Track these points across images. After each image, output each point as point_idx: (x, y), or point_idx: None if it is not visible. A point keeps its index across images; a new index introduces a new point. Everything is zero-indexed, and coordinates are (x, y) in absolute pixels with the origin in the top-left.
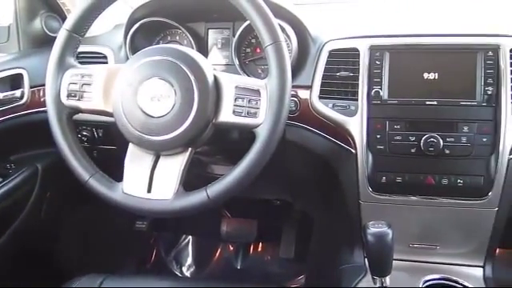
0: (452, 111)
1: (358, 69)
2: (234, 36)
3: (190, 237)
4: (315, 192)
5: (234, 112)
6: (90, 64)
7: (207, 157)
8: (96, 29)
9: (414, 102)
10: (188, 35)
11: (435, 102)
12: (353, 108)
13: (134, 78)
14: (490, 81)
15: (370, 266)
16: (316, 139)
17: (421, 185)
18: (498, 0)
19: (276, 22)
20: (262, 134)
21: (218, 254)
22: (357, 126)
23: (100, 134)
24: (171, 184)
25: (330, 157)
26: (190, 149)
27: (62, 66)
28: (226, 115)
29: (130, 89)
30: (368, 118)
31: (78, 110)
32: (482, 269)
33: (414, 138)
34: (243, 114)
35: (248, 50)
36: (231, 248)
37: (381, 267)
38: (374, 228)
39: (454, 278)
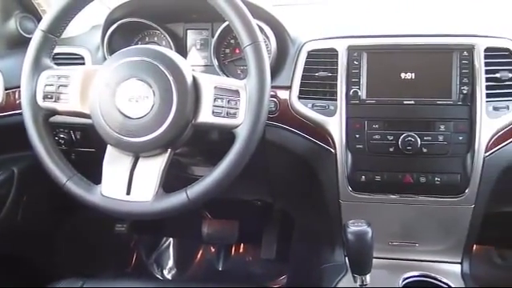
0: (429, 110)
1: (337, 69)
2: (212, 37)
3: (170, 239)
4: (296, 192)
5: (213, 112)
6: (66, 65)
7: (187, 158)
8: (73, 30)
9: (391, 102)
10: (166, 36)
11: (412, 102)
12: (332, 108)
13: (112, 79)
14: (465, 80)
15: (350, 264)
16: (296, 139)
17: (399, 183)
18: (472, 0)
19: (254, 22)
20: (241, 134)
21: (199, 256)
22: (336, 125)
23: (78, 137)
24: (151, 186)
25: (310, 157)
26: (169, 150)
27: (37, 68)
28: (206, 116)
29: (108, 90)
30: (347, 118)
31: (54, 112)
32: (459, 265)
33: (392, 137)
34: (222, 115)
35: (227, 50)
36: (213, 250)
37: (361, 265)
38: (353, 227)
39: (433, 275)
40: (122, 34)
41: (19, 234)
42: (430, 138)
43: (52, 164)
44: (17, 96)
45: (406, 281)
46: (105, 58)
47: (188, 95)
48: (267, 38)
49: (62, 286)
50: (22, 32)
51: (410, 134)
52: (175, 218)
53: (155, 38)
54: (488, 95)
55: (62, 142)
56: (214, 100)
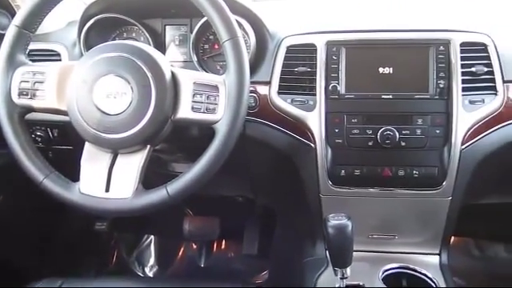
0: (407, 104)
1: (316, 64)
2: (191, 32)
3: (151, 236)
4: (276, 187)
5: (192, 108)
6: (42, 62)
7: (167, 155)
8: (48, 25)
9: (370, 96)
10: (144, 32)
11: (390, 96)
12: (311, 103)
13: (89, 75)
14: (441, 74)
15: (330, 257)
16: (276, 134)
17: (378, 177)
18: None
19: (233, 17)
20: (221, 129)
21: (180, 253)
22: (315, 120)
23: (55, 134)
24: (130, 182)
25: (290, 152)
26: (148, 146)
27: (12, 64)
28: (185, 112)
29: (85, 86)
30: (326, 113)
31: (30, 109)
32: (438, 256)
33: (370, 132)
34: (202, 110)
35: (206, 46)
36: (194, 246)
37: (341, 258)
38: (334, 220)
39: (412, 266)
40: (98, 30)
41: None
42: (408, 132)
43: (28, 162)
44: None
45: (386, 273)
46: (81, 55)
47: (167, 91)
48: (246, 33)
49: (41, 286)
50: None
51: (388, 128)
52: (156, 216)
53: (133, 34)
54: (464, 89)
55: (39, 139)
56: (193, 96)
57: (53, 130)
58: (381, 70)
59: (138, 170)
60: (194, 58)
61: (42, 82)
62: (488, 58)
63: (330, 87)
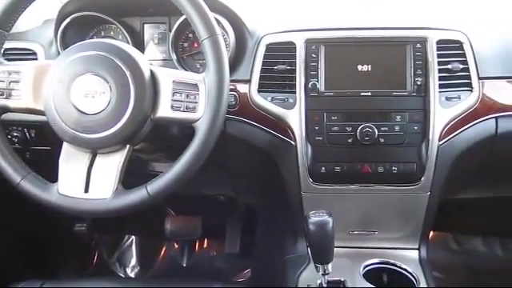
0: (385, 101)
1: (295, 62)
2: (170, 31)
3: (133, 237)
4: (258, 185)
5: (172, 107)
6: (18, 61)
7: (147, 154)
8: (24, 24)
9: (349, 94)
10: (123, 30)
11: (369, 93)
12: (291, 101)
13: (66, 74)
14: (419, 72)
15: (312, 254)
16: (256, 133)
17: (358, 173)
18: None
19: (212, 15)
20: (201, 128)
21: (162, 253)
22: (295, 118)
23: (32, 135)
24: (110, 182)
25: (271, 149)
26: (128, 146)
27: None
28: (165, 110)
29: (62, 85)
30: (306, 110)
31: (6, 109)
32: (417, 251)
33: (350, 129)
34: (182, 109)
35: (185, 44)
36: (176, 246)
37: (323, 255)
38: (314, 217)
39: (392, 261)
40: (76, 29)
41: None
42: (386, 129)
43: (5, 163)
44: None
45: (367, 268)
46: (58, 53)
47: (146, 90)
48: (225, 31)
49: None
50: None
51: (367, 124)
52: (137, 216)
53: (111, 33)
54: (441, 86)
55: (16, 140)
56: (173, 94)
57: (30, 130)
58: (359, 67)
59: (118, 169)
60: (174, 57)
61: (17, 82)
62: (464, 55)
63: (309, 85)
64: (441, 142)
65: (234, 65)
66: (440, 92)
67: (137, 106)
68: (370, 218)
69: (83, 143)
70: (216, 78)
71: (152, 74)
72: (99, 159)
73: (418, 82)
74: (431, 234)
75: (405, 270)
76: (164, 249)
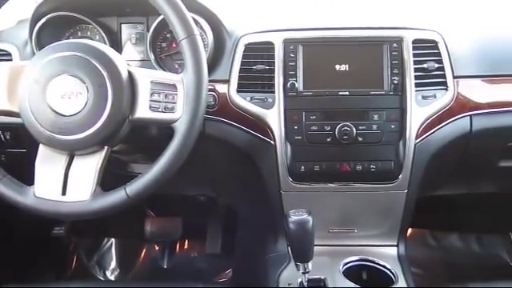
0: (363, 100)
1: (274, 62)
2: (148, 31)
3: (112, 239)
4: (238, 185)
5: (150, 107)
6: None
7: (126, 155)
8: None
9: (327, 93)
10: (100, 30)
11: (347, 93)
12: (270, 100)
13: (42, 75)
14: (395, 71)
15: (292, 253)
16: (236, 132)
17: (337, 172)
18: None
19: (190, 15)
20: (180, 128)
21: (143, 255)
22: (275, 117)
23: (7, 137)
24: (87, 185)
25: (251, 149)
26: (106, 147)
27: None
28: (143, 111)
29: (38, 86)
30: (285, 110)
31: None
32: (396, 248)
33: (329, 128)
34: (160, 110)
35: (163, 44)
36: (156, 247)
37: (303, 253)
38: (294, 216)
39: (371, 258)
40: (51, 29)
41: None
42: (364, 128)
43: None
44: None
45: (346, 266)
46: (33, 54)
47: (124, 90)
48: (203, 31)
49: None
50: None
51: (345, 123)
52: (116, 218)
53: (88, 33)
54: (417, 85)
55: None
56: (151, 95)
57: (5, 132)
58: (337, 67)
59: (96, 171)
60: (152, 57)
61: None
62: (439, 54)
63: (288, 85)
64: (417, 141)
65: (213, 65)
66: (416, 91)
67: (114, 106)
68: (349, 216)
69: (60, 145)
70: (194, 78)
71: (130, 74)
72: (77, 161)
73: (395, 81)
74: (409, 230)
75: (383, 266)
76: (144, 250)
